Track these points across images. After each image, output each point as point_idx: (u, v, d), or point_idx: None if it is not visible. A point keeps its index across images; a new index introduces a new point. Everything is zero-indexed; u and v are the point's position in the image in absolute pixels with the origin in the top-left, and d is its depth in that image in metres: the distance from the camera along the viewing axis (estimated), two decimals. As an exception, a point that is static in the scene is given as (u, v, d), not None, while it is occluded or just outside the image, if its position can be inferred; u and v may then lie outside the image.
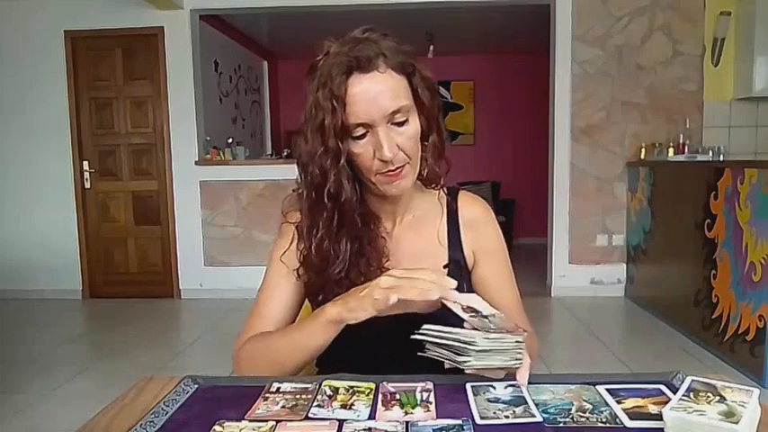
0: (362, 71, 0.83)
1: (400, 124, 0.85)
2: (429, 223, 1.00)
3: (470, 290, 1.00)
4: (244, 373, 0.89)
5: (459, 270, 0.98)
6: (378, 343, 0.88)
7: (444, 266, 0.97)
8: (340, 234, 0.89)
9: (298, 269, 0.92)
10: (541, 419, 0.66)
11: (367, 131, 0.85)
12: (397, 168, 0.86)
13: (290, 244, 0.94)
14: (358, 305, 0.77)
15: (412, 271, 0.77)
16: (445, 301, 0.75)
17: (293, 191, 0.94)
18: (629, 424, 0.65)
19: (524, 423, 0.65)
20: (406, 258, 0.95)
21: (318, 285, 0.91)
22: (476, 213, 1.02)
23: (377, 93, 0.83)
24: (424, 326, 0.77)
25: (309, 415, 0.68)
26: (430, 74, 0.90)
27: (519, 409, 0.68)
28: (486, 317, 0.75)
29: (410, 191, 0.95)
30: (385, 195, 0.90)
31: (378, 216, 0.95)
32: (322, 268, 0.89)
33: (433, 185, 0.99)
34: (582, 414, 0.67)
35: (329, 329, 0.81)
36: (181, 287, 4.55)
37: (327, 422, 0.66)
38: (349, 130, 0.84)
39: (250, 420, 0.67)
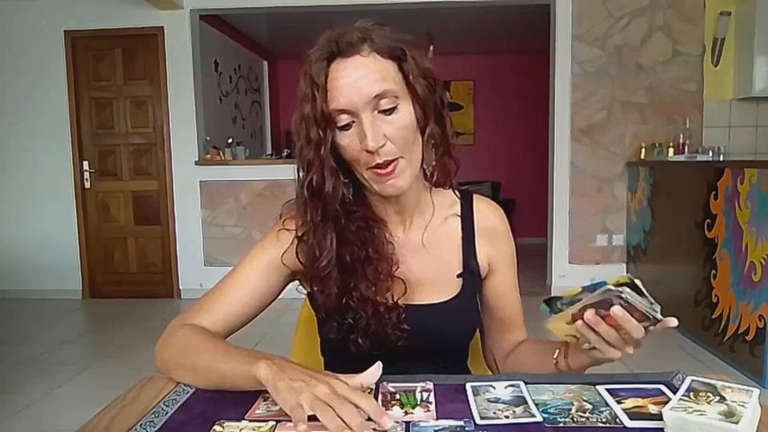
0: (344, 56, 0.79)
1: (388, 112, 0.79)
2: (440, 227, 0.94)
3: (481, 297, 0.98)
4: (163, 356, 0.82)
5: (473, 279, 0.95)
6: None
7: (458, 275, 0.93)
8: (325, 227, 0.84)
9: (300, 274, 0.89)
10: (541, 419, 0.66)
11: (353, 121, 0.79)
12: (386, 162, 0.80)
13: (284, 250, 0.88)
14: (282, 392, 0.65)
15: (357, 393, 0.64)
16: (630, 298, 0.68)
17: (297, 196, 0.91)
18: (629, 424, 0.65)
19: (524, 423, 0.65)
20: (417, 266, 0.90)
21: (313, 283, 0.87)
22: (495, 223, 0.97)
23: (358, 76, 0.78)
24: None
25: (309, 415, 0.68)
26: (429, 64, 0.83)
27: (519, 409, 0.68)
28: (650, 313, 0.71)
29: (417, 191, 0.90)
30: (384, 196, 0.84)
31: (382, 220, 0.89)
32: (309, 262, 0.85)
33: (442, 186, 0.94)
34: (582, 414, 0.67)
35: (251, 382, 0.71)
36: (181, 287, 4.54)
37: (327, 422, 0.66)
38: (332, 118, 0.79)
39: (250, 420, 0.67)
